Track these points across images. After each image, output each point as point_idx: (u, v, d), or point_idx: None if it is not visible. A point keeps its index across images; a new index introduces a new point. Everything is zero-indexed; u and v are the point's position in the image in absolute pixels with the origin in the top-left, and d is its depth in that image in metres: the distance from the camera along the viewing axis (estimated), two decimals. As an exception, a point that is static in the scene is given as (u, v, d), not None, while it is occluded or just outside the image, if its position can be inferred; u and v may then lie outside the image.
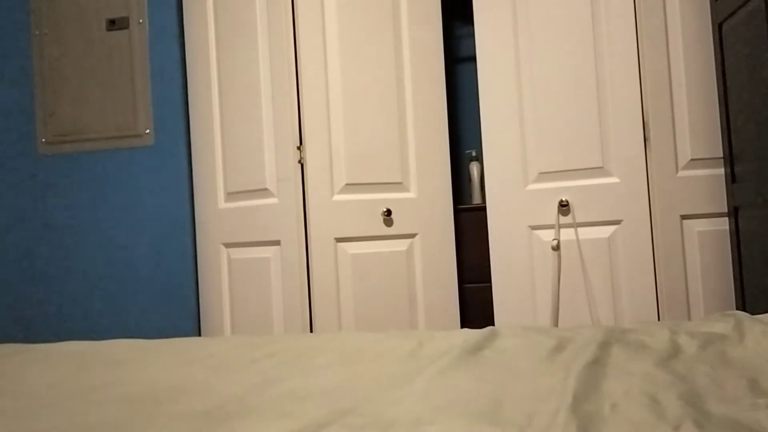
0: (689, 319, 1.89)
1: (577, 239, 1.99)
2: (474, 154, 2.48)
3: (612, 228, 1.97)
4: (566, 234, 2.01)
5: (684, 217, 1.93)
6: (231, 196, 2.19)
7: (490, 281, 2.08)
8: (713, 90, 1.90)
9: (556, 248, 2.01)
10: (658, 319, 1.90)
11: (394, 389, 0.76)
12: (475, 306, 2.16)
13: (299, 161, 2.07)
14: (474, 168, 2.47)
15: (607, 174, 1.98)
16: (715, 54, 1.83)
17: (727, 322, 1.00)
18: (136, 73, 2.23)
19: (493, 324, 1.99)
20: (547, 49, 2.03)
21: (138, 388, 0.86)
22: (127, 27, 2.23)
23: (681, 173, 1.94)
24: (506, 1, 2.07)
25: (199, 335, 2.19)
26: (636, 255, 1.94)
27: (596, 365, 0.80)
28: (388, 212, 2.08)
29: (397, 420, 0.63)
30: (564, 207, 2.01)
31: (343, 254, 2.08)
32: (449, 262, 2.15)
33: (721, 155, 1.86)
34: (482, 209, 2.13)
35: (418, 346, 0.99)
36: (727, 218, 1.86)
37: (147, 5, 2.23)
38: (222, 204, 2.21)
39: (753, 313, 1.08)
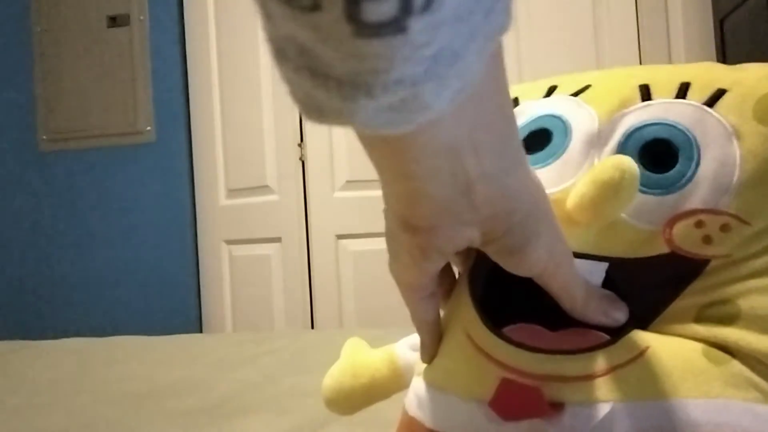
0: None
1: (579, 236, 1.98)
2: (475, 150, 2.47)
3: (613, 225, 1.96)
4: (568, 231, 2.00)
5: (686, 213, 1.92)
6: (232, 193, 2.19)
7: (491, 278, 2.07)
8: (715, 86, 1.89)
9: (558, 245, 2.00)
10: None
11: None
12: (477, 303, 2.15)
13: (300, 158, 2.07)
14: (475, 165, 2.46)
15: (608, 171, 1.97)
16: (717, 50, 1.83)
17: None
18: (137, 70, 2.22)
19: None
20: (548, 46, 2.02)
21: (139, 384, 0.86)
22: (127, 24, 2.23)
23: (683, 170, 1.93)
24: None
25: (200, 332, 2.19)
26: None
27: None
28: (390, 209, 2.07)
29: (398, 419, 0.62)
30: (565, 204, 2.00)
31: (345, 251, 2.07)
32: (450, 259, 2.14)
33: (723, 152, 1.85)
34: (483, 206, 2.12)
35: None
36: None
37: (148, 2, 2.23)
38: (223, 201, 2.20)
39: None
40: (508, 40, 2.06)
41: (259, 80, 2.11)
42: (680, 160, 0.31)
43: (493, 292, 0.32)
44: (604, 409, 0.27)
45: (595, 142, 0.33)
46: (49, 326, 2.19)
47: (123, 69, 2.23)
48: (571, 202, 0.30)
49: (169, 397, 0.79)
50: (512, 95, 0.39)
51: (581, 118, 0.34)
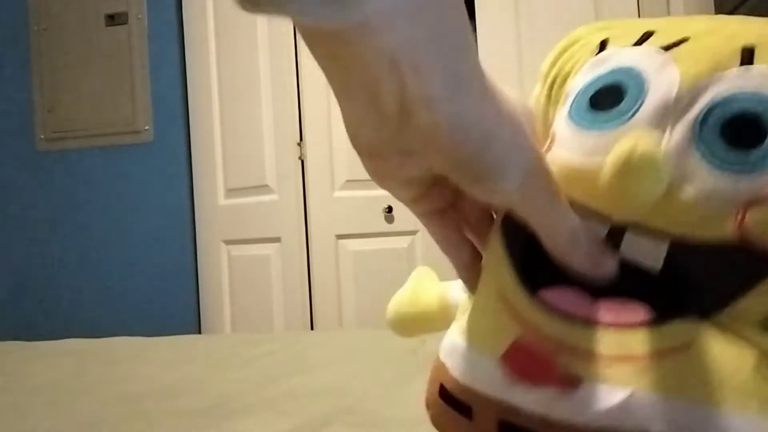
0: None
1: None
2: (475, 150, 2.47)
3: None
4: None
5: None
6: (231, 192, 2.18)
7: (491, 278, 2.07)
8: (716, 85, 1.89)
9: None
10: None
11: (395, 387, 0.75)
12: (477, 303, 2.15)
13: (299, 157, 2.06)
14: (475, 164, 2.46)
15: (609, 170, 1.97)
16: (719, 49, 1.82)
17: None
18: (136, 68, 2.22)
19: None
20: (549, 43, 2.01)
21: (137, 385, 0.85)
22: (125, 22, 2.22)
23: (684, 169, 1.93)
24: (508, -4, 2.06)
25: (199, 333, 2.19)
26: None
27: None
28: (389, 209, 2.07)
29: (398, 418, 0.62)
30: (566, 203, 2.00)
31: (344, 251, 2.07)
32: (450, 258, 2.14)
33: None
34: (483, 206, 2.12)
35: (420, 343, 0.99)
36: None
37: (146, 0, 2.22)
38: (222, 200, 2.20)
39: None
40: (509, 40, 2.06)
41: (258, 78, 2.10)
42: None
43: (534, 248, 0.30)
44: (622, 393, 0.26)
45: (671, 110, 0.29)
46: (48, 326, 2.19)
47: (121, 68, 2.22)
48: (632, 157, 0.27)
49: (168, 398, 0.78)
50: (601, 36, 0.37)
51: (662, 80, 0.30)
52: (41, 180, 2.30)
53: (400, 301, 0.45)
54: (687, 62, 0.30)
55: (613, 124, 0.30)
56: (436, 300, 0.44)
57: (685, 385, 0.26)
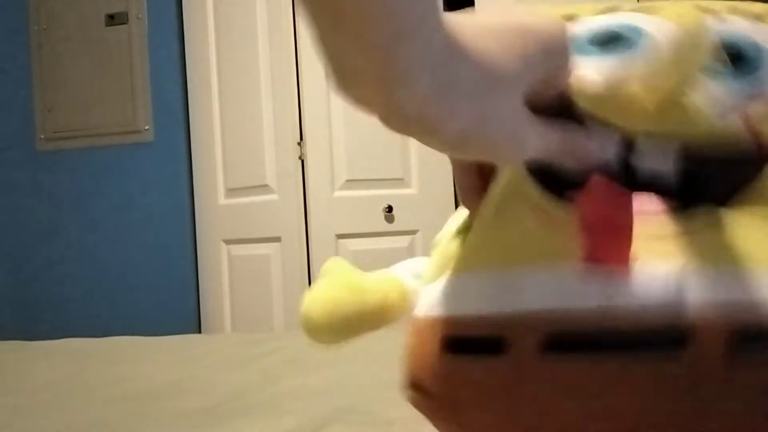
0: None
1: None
2: (475, 150, 2.47)
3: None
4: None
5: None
6: (231, 192, 2.18)
7: (491, 277, 2.07)
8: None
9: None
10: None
11: (395, 387, 0.75)
12: (477, 302, 2.15)
13: (300, 157, 2.06)
14: (475, 164, 2.46)
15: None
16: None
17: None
18: (136, 68, 2.22)
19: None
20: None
21: (138, 385, 0.86)
22: (126, 22, 2.22)
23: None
24: (507, -5, 2.06)
25: (199, 332, 2.19)
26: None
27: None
28: (389, 208, 2.07)
29: (399, 418, 0.62)
30: (566, 203, 2.00)
31: (344, 251, 2.07)
32: (450, 258, 2.13)
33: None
34: (483, 205, 2.12)
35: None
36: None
37: (146, 0, 2.22)
38: (222, 200, 2.20)
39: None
40: None
41: (258, 78, 2.10)
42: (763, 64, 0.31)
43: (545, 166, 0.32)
44: (676, 268, 0.27)
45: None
46: (47, 326, 2.19)
47: (121, 67, 2.22)
48: (645, 76, 0.30)
49: (169, 397, 0.78)
50: (561, 12, 0.37)
51: (657, 27, 0.33)
52: (41, 180, 2.30)
53: (337, 298, 0.38)
54: (671, 17, 0.33)
55: (627, 51, 0.32)
56: (393, 289, 0.38)
57: (721, 256, 0.27)
